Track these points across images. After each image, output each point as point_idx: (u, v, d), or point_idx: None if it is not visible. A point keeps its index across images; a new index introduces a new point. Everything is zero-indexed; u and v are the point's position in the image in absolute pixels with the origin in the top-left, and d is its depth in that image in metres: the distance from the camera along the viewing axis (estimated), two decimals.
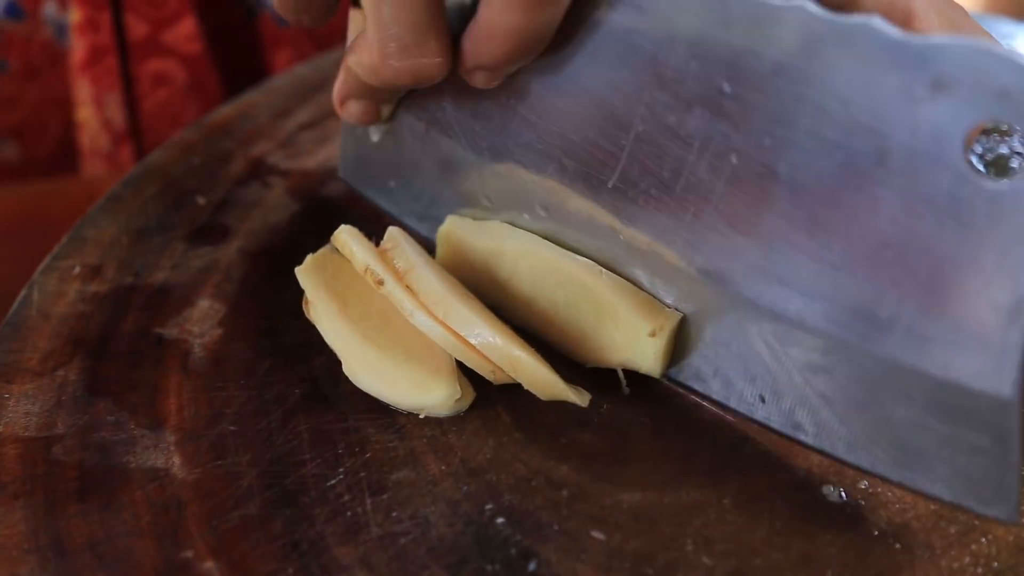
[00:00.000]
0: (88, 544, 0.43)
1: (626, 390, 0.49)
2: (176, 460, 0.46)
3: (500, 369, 0.47)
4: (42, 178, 0.88)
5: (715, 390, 0.47)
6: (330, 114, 0.68)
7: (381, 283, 0.49)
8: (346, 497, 0.45)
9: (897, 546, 0.42)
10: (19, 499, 0.45)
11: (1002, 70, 0.33)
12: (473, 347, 0.47)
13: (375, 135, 0.56)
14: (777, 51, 0.39)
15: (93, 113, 0.84)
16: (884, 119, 0.37)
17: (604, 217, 0.47)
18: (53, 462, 0.46)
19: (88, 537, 0.43)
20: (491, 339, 0.47)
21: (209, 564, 0.42)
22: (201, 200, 0.61)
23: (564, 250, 0.50)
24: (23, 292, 0.55)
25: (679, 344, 0.48)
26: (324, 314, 0.50)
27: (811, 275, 0.41)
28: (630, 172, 0.46)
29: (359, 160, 0.58)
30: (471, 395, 0.48)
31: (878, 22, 0.36)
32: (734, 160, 0.42)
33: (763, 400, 0.45)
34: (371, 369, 0.48)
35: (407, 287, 0.49)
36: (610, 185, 0.46)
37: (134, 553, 0.43)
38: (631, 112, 0.45)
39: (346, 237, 0.51)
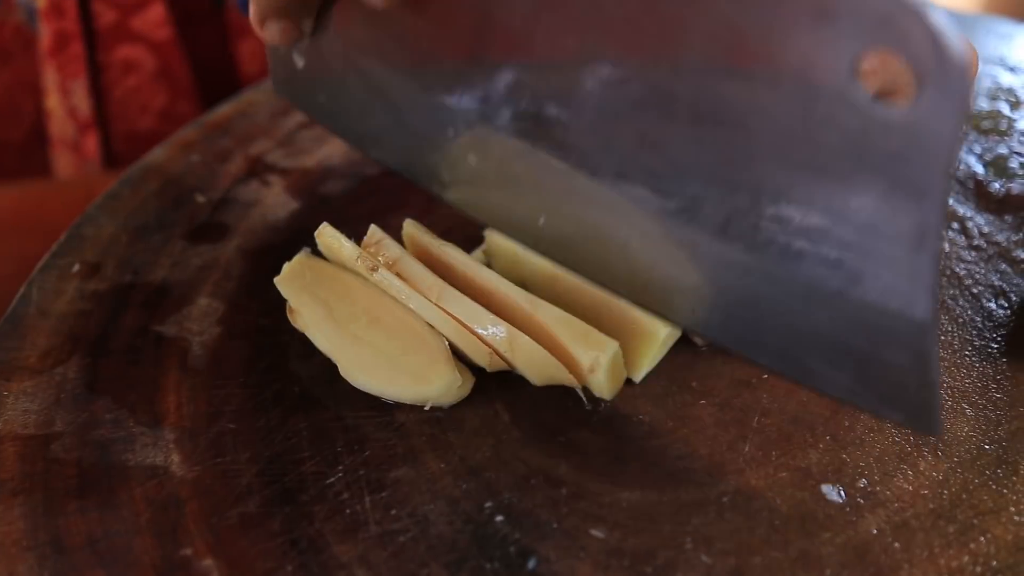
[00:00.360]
0: (87, 541, 0.43)
1: (588, 405, 0.49)
2: (175, 458, 0.46)
3: (496, 352, 0.47)
4: (15, 163, 0.87)
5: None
6: None
7: (375, 269, 0.49)
8: (345, 495, 0.45)
9: (896, 545, 0.42)
10: (18, 496, 0.45)
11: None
12: (470, 328, 0.48)
13: (299, 61, 0.55)
14: None
15: (59, 101, 0.84)
16: (773, 44, 0.37)
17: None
18: (52, 460, 0.46)
19: (87, 534, 0.43)
20: (487, 319, 0.48)
21: (208, 562, 0.42)
22: (200, 198, 0.61)
23: (505, 281, 0.50)
24: (22, 290, 0.55)
25: None
26: (311, 320, 0.50)
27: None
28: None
29: (288, 79, 0.57)
30: (471, 380, 0.49)
31: None
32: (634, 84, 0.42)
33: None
34: (368, 368, 0.48)
35: (397, 274, 0.49)
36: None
37: (133, 550, 0.43)
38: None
39: (331, 232, 0.51)
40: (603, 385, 0.47)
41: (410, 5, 0.47)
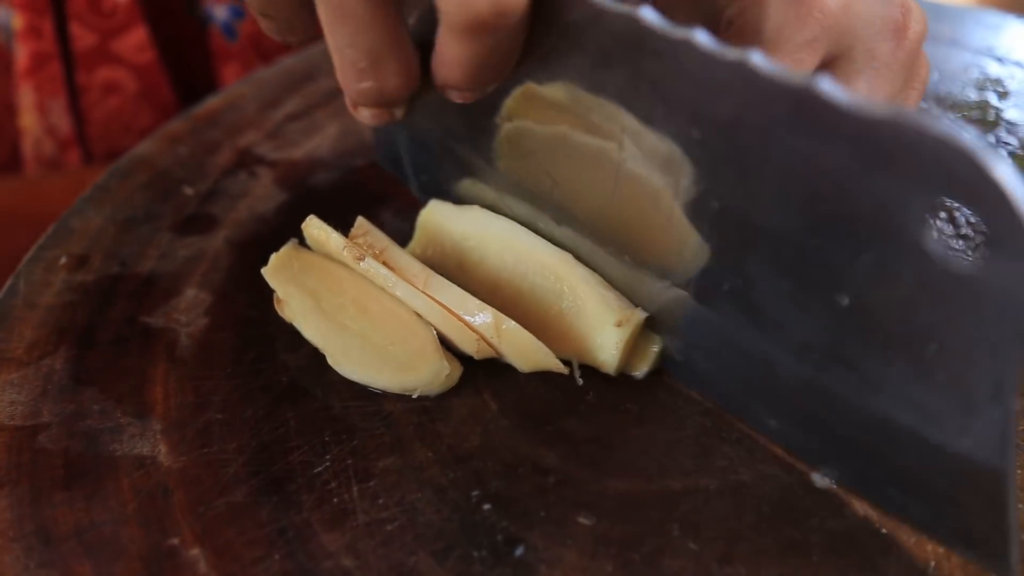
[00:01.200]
0: (74, 532, 0.43)
1: (579, 381, 0.49)
2: (162, 448, 0.46)
3: (483, 339, 0.47)
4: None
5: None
6: (317, 105, 0.68)
7: (361, 259, 0.49)
8: (333, 484, 0.44)
9: (883, 531, 0.42)
10: (4, 487, 0.44)
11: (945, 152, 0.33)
12: (457, 315, 0.48)
13: (400, 143, 0.57)
14: (729, 104, 0.39)
15: (36, 120, 0.83)
16: (840, 185, 0.37)
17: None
18: (39, 451, 0.46)
19: (74, 525, 0.43)
20: (474, 305, 0.48)
21: (195, 551, 0.42)
22: (188, 190, 0.61)
23: (540, 239, 0.50)
24: (9, 282, 0.54)
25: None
26: (299, 310, 0.50)
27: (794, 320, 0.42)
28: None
29: (392, 159, 0.60)
30: (459, 369, 0.48)
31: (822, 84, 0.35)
32: (714, 204, 0.42)
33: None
34: (356, 358, 0.48)
35: (384, 263, 0.49)
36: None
37: (120, 540, 0.43)
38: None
39: (318, 224, 0.51)
40: (620, 345, 0.47)
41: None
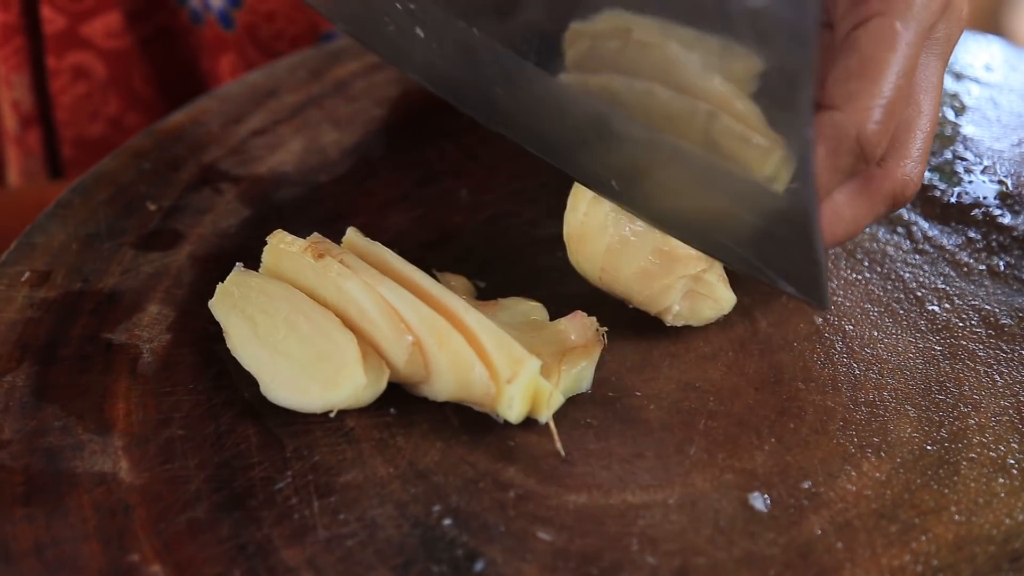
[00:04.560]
0: (34, 548, 0.43)
1: (500, 421, 0.48)
2: (123, 464, 0.46)
3: (419, 344, 0.47)
4: None
5: None
6: (281, 120, 0.68)
7: (322, 256, 0.49)
8: (294, 500, 0.45)
9: (839, 545, 0.43)
10: None
11: None
12: (400, 315, 0.48)
13: None
14: None
15: (4, 93, 0.83)
16: None
17: None
18: None
19: (34, 541, 0.43)
20: (421, 308, 0.48)
21: (156, 567, 0.42)
22: (152, 206, 0.61)
23: (439, 286, 0.50)
24: None
25: None
26: (237, 339, 0.50)
27: None
28: None
29: None
30: (384, 375, 0.48)
31: None
32: None
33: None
34: (282, 381, 0.48)
35: (341, 261, 0.49)
36: None
37: (80, 557, 0.43)
38: None
39: (280, 235, 0.51)
40: (514, 401, 0.46)
41: None
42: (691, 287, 0.51)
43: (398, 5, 0.51)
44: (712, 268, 0.50)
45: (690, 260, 0.49)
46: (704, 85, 0.43)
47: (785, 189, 0.41)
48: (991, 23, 1.50)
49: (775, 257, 0.44)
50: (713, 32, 0.41)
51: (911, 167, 0.49)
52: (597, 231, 0.51)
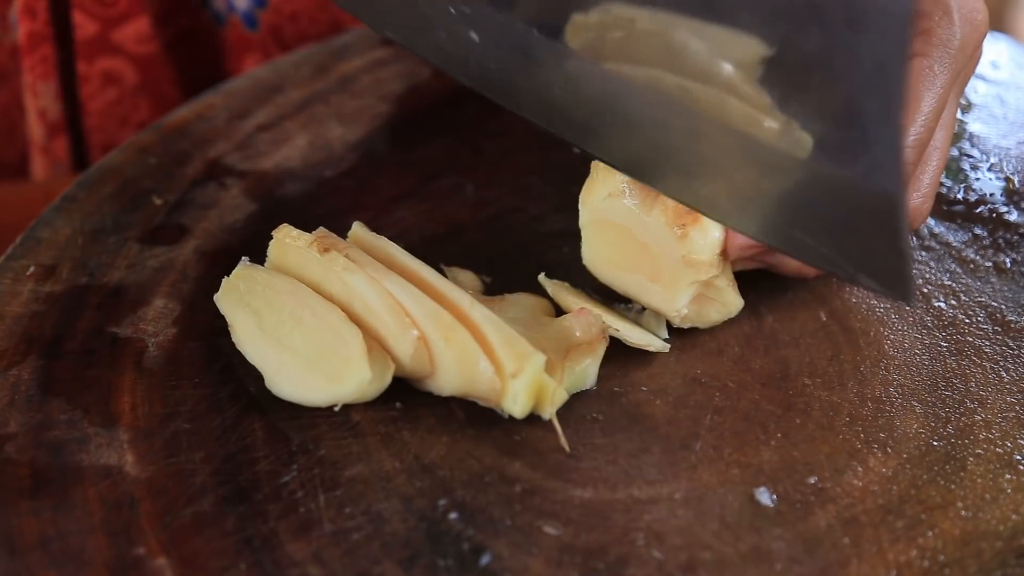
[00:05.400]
0: (40, 542, 0.43)
1: (506, 416, 0.48)
2: (129, 458, 0.46)
3: (424, 339, 0.48)
4: (10, 183, 0.87)
5: None
6: (287, 115, 0.68)
7: (327, 250, 0.49)
8: (299, 494, 0.45)
9: (845, 540, 0.43)
10: None
11: None
12: (406, 310, 0.48)
13: None
14: None
15: (30, 102, 0.83)
16: None
17: None
18: (5, 460, 0.46)
19: (40, 534, 0.43)
20: (426, 303, 0.48)
21: (161, 561, 0.42)
22: (157, 200, 0.61)
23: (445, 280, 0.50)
24: None
25: None
26: (242, 333, 0.50)
27: None
28: None
29: None
30: (390, 369, 0.48)
31: None
32: None
33: None
34: (288, 375, 0.48)
35: (347, 256, 0.49)
36: None
37: (86, 550, 0.43)
38: None
39: (286, 229, 0.51)
40: (518, 397, 0.46)
41: None
42: (701, 291, 0.51)
43: (451, 10, 0.51)
44: (723, 273, 0.50)
45: (702, 266, 0.49)
46: (713, 71, 0.43)
47: (870, 177, 0.40)
48: (996, 22, 1.50)
49: (855, 250, 0.43)
50: (774, 18, 0.40)
51: (920, 201, 0.50)
52: (614, 229, 0.51)
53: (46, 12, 0.80)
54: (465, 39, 0.51)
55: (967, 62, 0.50)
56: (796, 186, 0.43)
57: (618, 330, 0.50)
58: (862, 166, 0.39)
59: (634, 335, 0.51)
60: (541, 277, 0.54)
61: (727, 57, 0.42)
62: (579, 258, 0.54)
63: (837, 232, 0.42)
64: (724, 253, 0.49)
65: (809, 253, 0.45)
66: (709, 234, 0.48)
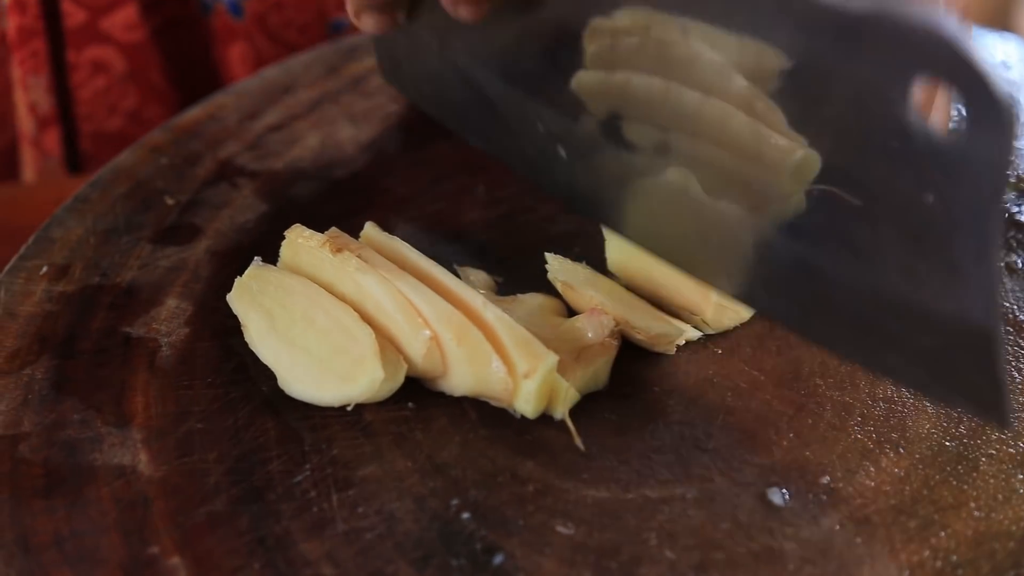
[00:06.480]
0: (54, 541, 0.43)
1: (518, 416, 0.49)
2: (143, 457, 0.46)
3: (437, 340, 0.48)
4: (1, 170, 0.87)
5: None
6: (298, 116, 0.68)
7: (340, 250, 0.49)
8: (312, 493, 0.45)
9: (858, 540, 0.43)
10: None
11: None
12: (418, 309, 0.48)
13: (401, 52, 0.59)
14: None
15: (21, 97, 0.84)
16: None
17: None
18: (19, 460, 0.46)
19: (54, 534, 0.43)
20: (438, 303, 0.48)
21: (175, 560, 0.42)
22: (169, 200, 0.61)
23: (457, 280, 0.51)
24: None
25: None
26: (255, 333, 0.50)
27: None
28: None
29: (394, 69, 0.62)
30: (402, 369, 0.48)
31: None
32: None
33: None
34: (300, 375, 0.49)
35: (359, 257, 0.49)
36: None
37: (100, 549, 0.43)
38: None
39: (298, 229, 0.52)
40: (531, 397, 0.47)
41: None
42: (716, 301, 0.51)
43: (540, 127, 0.52)
44: None
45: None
46: (725, 84, 0.43)
47: (967, 311, 0.40)
48: (1003, 22, 1.50)
49: (951, 377, 0.42)
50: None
51: None
52: None
53: (36, 6, 0.81)
54: (553, 154, 0.52)
55: None
56: (886, 310, 0.42)
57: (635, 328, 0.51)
58: (957, 301, 0.39)
59: (656, 324, 0.51)
60: (550, 275, 0.54)
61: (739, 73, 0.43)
62: (589, 257, 0.54)
63: (931, 360, 0.42)
64: None
65: (903, 377, 0.45)
66: None
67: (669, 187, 0.48)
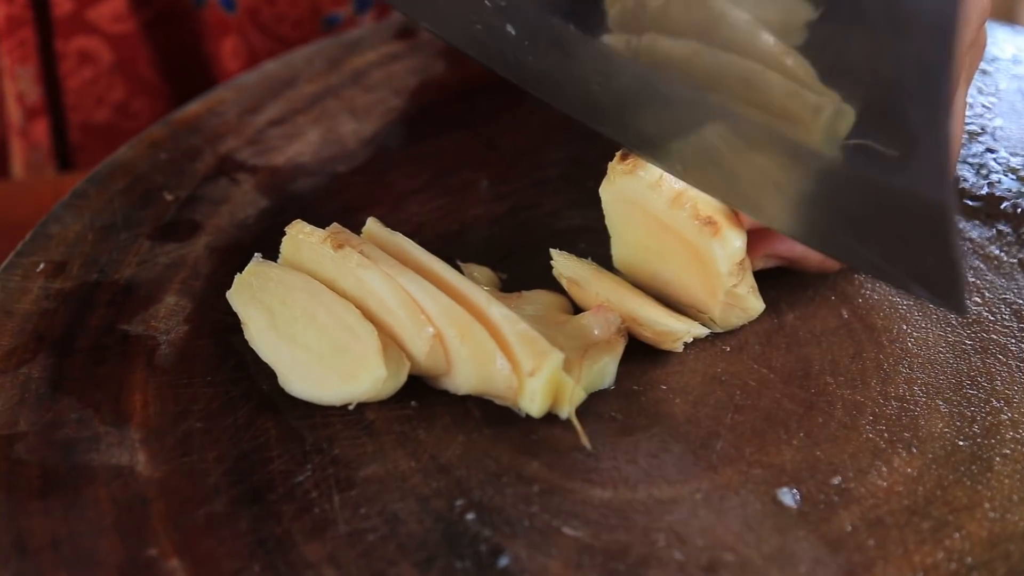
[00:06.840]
0: (51, 542, 0.42)
1: (523, 415, 0.48)
2: (141, 457, 0.46)
3: (441, 337, 0.47)
4: None
5: None
6: (299, 110, 0.67)
7: (341, 246, 0.48)
8: (314, 494, 0.44)
9: (870, 542, 0.42)
10: None
11: None
12: (420, 306, 0.47)
13: None
14: None
15: (8, 86, 0.83)
16: None
17: None
18: (15, 460, 0.46)
19: (51, 535, 0.43)
20: (442, 299, 0.47)
21: (174, 562, 0.42)
22: (168, 196, 0.61)
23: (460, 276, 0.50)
24: None
25: None
26: (256, 330, 0.49)
27: None
28: None
29: None
30: (405, 367, 0.47)
31: None
32: None
33: None
34: (301, 373, 0.48)
35: (361, 252, 0.49)
36: None
37: (98, 551, 0.42)
38: None
39: (299, 225, 0.51)
40: (536, 395, 0.46)
41: None
42: (724, 300, 0.50)
43: (487, 2, 0.50)
44: (743, 280, 0.49)
45: (721, 276, 0.48)
46: (753, 42, 0.42)
47: (919, 183, 0.39)
48: (1011, 15, 1.49)
49: (905, 258, 0.42)
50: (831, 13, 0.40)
51: None
52: (641, 222, 0.50)
53: None
54: (501, 32, 0.51)
55: (969, 47, 0.49)
56: (841, 189, 0.42)
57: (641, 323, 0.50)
58: (908, 175, 0.38)
59: (664, 321, 0.50)
60: (555, 271, 0.53)
61: (767, 29, 0.42)
62: (595, 254, 0.53)
63: (885, 239, 0.42)
64: (744, 262, 0.48)
65: (856, 259, 0.44)
66: (730, 244, 0.47)
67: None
